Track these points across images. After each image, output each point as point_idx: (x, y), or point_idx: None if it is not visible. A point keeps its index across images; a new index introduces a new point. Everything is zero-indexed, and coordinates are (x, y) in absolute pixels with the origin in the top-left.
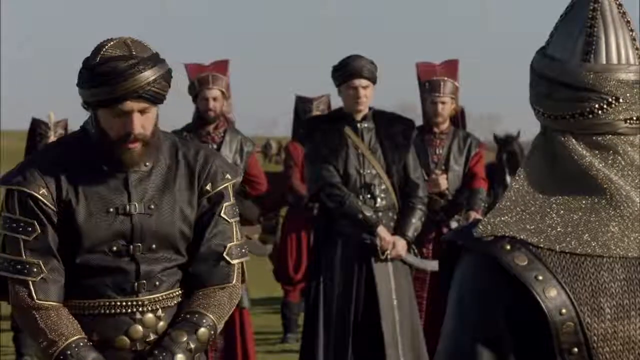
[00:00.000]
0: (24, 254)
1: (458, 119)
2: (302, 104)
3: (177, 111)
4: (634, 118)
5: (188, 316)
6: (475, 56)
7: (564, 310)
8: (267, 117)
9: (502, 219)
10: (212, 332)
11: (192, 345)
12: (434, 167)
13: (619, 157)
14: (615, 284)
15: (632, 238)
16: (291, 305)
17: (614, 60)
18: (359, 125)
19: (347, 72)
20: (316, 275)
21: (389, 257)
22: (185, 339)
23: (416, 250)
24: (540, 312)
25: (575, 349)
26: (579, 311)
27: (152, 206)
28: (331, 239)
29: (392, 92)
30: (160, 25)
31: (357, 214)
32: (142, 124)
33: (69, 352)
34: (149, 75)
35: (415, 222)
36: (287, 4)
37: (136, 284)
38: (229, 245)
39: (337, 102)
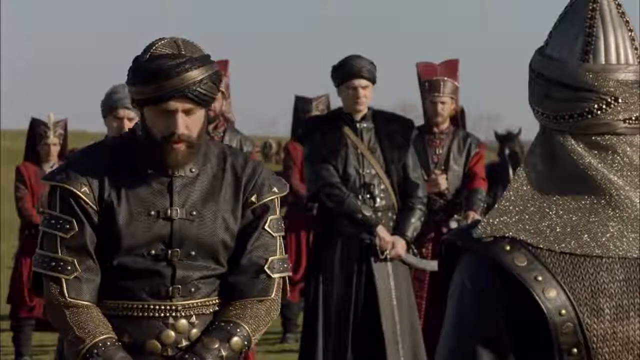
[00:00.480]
0: (59, 251)
1: (458, 118)
2: (302, 104)
3: None
4: (633, 118)
5: (222, 324)
6: (475, 56)
7: (563, 311)
8: (267, 117)
9: (502, 219)
10: (246, 343)
11: (224, 353)
12: (433, 167)
13: (618, 157)
14: (614, 285)
15: (631, 238)
16: (290, 305)
17: (613, 60)
18: (358, 125)
19: (346, 72)
20: (315, 275)
21: (388, 257)
22: (217, 345)
23: (415, 250)
24: (540, 312)
25: (575, 350)
26: (579, 312)
27: (194, 212)
28: (331, 238)
29: (392, 92)
30: (160, 25)
31: (357, 213)
32: (186, 124)
33: (95, 351)
34: (195, 75)
35: (415, 222)
36: (287, 4)
37: (170, 288)
38: (271, 258)
39: (336, 102)
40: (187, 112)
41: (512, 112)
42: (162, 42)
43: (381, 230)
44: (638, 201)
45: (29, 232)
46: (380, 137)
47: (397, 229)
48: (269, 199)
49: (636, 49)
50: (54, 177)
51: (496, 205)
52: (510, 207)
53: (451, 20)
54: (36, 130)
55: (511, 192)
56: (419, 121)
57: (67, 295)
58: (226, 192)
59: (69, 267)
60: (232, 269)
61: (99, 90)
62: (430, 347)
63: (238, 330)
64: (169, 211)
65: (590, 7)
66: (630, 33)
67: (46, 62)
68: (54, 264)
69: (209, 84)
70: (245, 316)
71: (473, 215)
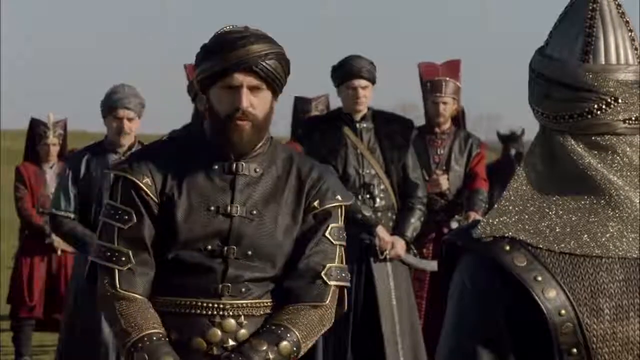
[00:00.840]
0: (116, 242)
1: (460, 119)
2: (301, 104)
3: (176, 111)
4: (633, 118)
5: (273, 328)
6: (475, 56)
7: (563, 311)
8: None
9: (501, 219)
10: (295, 349)
11: (271, 356)
12: (435, 167)
13: (618, 158)
14: (614, 285)
15: (631, 239)
16: None
17: (613, 60)
18: (357, 125)
19: (346, 72)
20: None
21: (388, 257)
22: (264, 348)
23: (415, 251)
24: (540, 312)
25: (574, 350)
26: (578, 312)
27: (255, 212)
28: None
29: (392, 92)
30: (160, 25)
31: (356, 214)
32: (252, 102)
33: (140, 345)
34: (260, 48)
35: (414, 222)
36: (287, 4)
37: (220, 286)
38: (328, 265)
39: (335, 103)
40: (252, 90)
41: (512, 112)
42: (231, 26)
43: (381, 231)
44: (638, 201)
45: (28, 232)
46: (380, 137)
47: (397, 229)
48: (331, 205)
49: (636, 49)
50: (117, 167)
51: (496, 206)
52: (510, 207)
53: (451, 21)
54: (36, 131)
55: (511, 192)
56: (419, 121)
57: (118, 286)
58: (288, 196)
59: (123, 259)
60: (288, 273)
61: (99, 90)
62: (431, 347)
63: (288, 335)
64: (229, 208)
65: (591, 7)
66: (630, 33)
67: (46, 62)
68: (109, 254)
69: (274, 61)
70: (297, 322)
71: (474, 216)
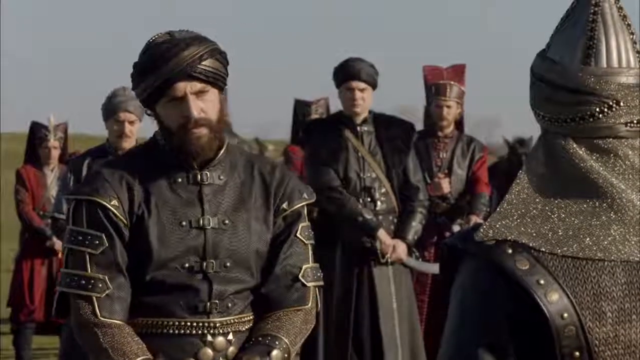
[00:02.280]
0: (89, 269)
1: (463, 123)
2: (301, 107)
3: None
4: (635, 121)
5: (260, 339)
6: (475, 58)
7: (565, 315)
8: (266, 120)
9: (503, 222)
10: (286, 356)
11: None
12: (437, 171)
13: (620, 161)
14: (616, 288)
15: (633, 242)
16: None
17: (615, 63)
18: (359, 128)
19: (345, 73)
20: None
21: (389, 260)
22: None
23: (417, 254)
24: (542, 315)
25: (577, 353)
26: (581, 315)
27: (227, 221)
28: (331, 242)
29: (391, 93)
30: (161, 26)
31: (357, 217)
32: (200, 107)
33: None
34: (192, 51)
35: (416, 226)
36: (288, 4)
37: (208, 303)
38: (304, 267)
39: (335, 105)
40: (198, 95)
41: (511, 114)
42: (155, 36)
43: (382, 234)
44: (639, 204)
45: (29, 235)
46: (381, 141)
47: (398, 233)
48: (299, 205)
49: (638, 52)
50: (79, 190)
51: (498, 209)
52: (512, 211)
53: (451, 21)
54: (37, 134)
55: (513, 196)
56: (418, 124)
57: (99, 314)
58: (256, 200)
59: (100, 285)
60: (265, 279)
61: (100, 92)
62: (432, 350)
63: (277, 342)
64: (201, 220)
65: (592, 11)
66: (631, 36)
67: (46, 62)
68: (83, 282)
69: (211, 60)
70: (283, 328)
71: (475, 220)
